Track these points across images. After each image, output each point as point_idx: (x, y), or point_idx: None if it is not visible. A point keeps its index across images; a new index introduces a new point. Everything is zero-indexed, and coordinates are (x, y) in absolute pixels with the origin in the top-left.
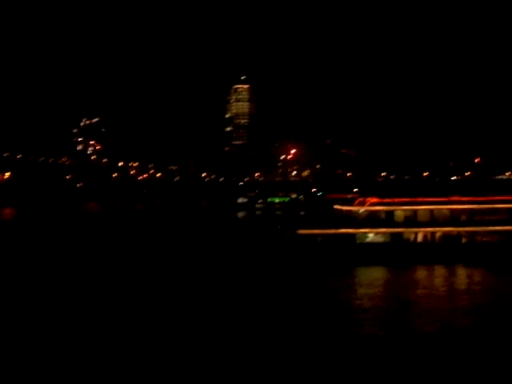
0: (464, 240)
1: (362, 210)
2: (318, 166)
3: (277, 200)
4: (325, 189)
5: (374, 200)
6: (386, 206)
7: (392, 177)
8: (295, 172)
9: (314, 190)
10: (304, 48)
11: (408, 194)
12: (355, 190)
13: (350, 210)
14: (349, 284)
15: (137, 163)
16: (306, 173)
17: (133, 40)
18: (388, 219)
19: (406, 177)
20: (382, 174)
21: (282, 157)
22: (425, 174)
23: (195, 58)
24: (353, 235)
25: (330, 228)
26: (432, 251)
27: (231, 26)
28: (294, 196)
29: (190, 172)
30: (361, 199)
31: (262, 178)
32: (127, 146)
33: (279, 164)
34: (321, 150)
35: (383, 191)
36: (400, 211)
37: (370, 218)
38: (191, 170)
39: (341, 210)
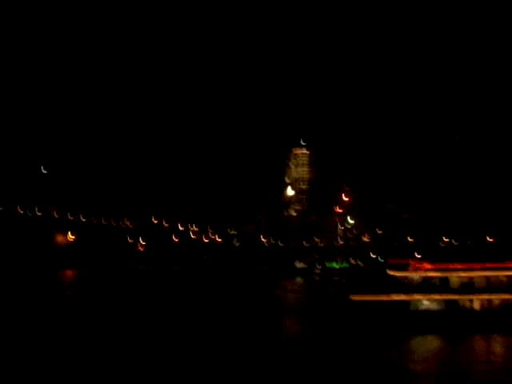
0: None
1: (416, 275)
2: (379, 231)
3: (335, 265)
4: (386, 254)
5: (429, 265)
6: (440, 271)
7: (455, 242)
8: (355, 237)
9: (374, 255)
10: (362, 113)
11: (466, 259)
12: (418, 255)
13: (403, 276)
14: (401, 354)
15: (197, 228)
16: (366, 238)
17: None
18: (443, 285)
19: (469, 242)
20: (445, 240)
21: (341, 222)
22: (489, 239)
23: (254, 119)
24: (406, 302)
25: (383, 294)
26: (489, 319)
27: (292, 89)
28: (353, 262)
29: (250, 236)
30: (415, 265)
31: (322, 244)
32: (187, 209)
33: (338, 229)
34: (381, 215)
35: (444, 256)
36: (455, 277)
37: (425, 284)
38: (251, 234)
39: (395, 276)
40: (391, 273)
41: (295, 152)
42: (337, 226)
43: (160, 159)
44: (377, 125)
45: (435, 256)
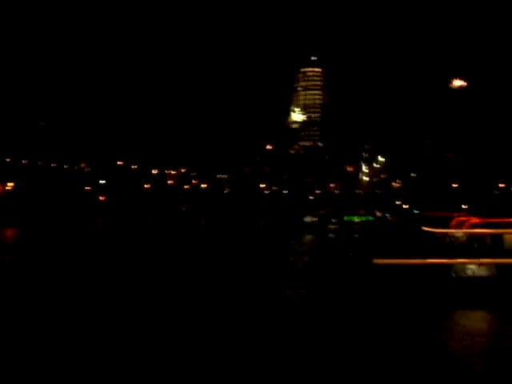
0: None
1: (460, 233)
2: (413, 175)
3: (356, 219)
4: (422, 205)
5: (477, 220)
6: (492, 228)
7: None
8: (382, 182)
9: (406, 206)
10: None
11: None
12: (464, 206)
13: (443, 234)
14: (441, 333)
15: (174, 171)
16: (396, 183)
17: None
18: (495, 246)
19: None
20: (500, 186)
21: (365, 163)
22: None
23: (252, 35)
24: (447, 267)
25: (417, 257)
26: None
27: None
28: (379, 214)
29: (244, 183)
30: (459, 219)
31: (338, 191)
32: (164, 149)
33: (361, 172)
34: (417, 153)
35: (498, 208)
36: (511, 235)
37: (471, 243)
38: (246, 179)
39: (431, 234)
40: (427, 229)
41: (304, 70)
42: (359, 167)
43: (127, 83)
44: (402, 36)
45: (486, 208)
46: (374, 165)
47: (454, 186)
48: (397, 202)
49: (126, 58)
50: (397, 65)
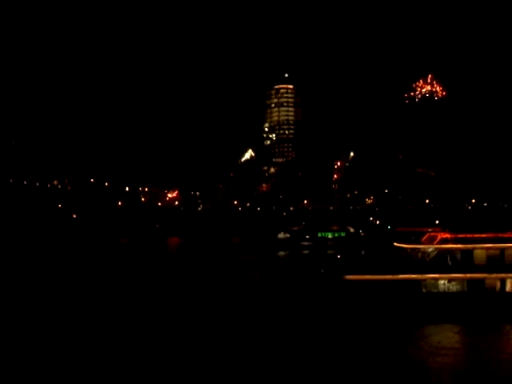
0: None
1: (430, 248)
2: (385, 190)
3: (329, 235)
4: (394, 221)
5: (448, 235)
6: (462, 243)
7: (484, 205)
8: (355, 198)
9: (378, 222)
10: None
11: (496, 228)
12: (437, 221)
13: (414, 249)
14: (411, 348)
15: (147, 189)
16: (370, 199)
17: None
18: (465, 261)
19: (505, 205)
20: (473, 201)
21: (338, 178)
22: None
23: (225, 53)
24: (418, 282)
25: (388, 273)
26: None
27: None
28: (352, 230)
29: (218, 199)
30: (431, 234)
31: (311, 207)
32: (136, 166)
33: (333, 187)
34: (390, 169)
35: (469, 224)
36: (481, 250)
37: (442, 259)
38: (220, 196)
39: (403, 249)
40: (399, 244)
41: (277, 87)
42: (332, 183)
43: (104, 101)
44: (374, 53)
45: (458, 223)
46: (344, 182)
47: (426, 201)
48: (370, 218)
49: (96, 75)
50: (366, 80)
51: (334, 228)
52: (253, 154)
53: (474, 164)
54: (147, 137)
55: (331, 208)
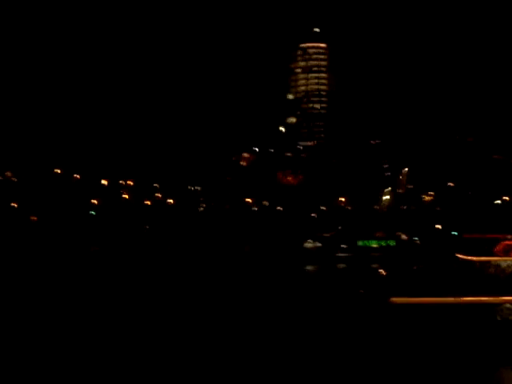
0: None
1: (506, 261)
2: (450, 184)
3: (374, 244)
4: (462, 225)
5: None
6: None
7: None
8: (409, 196)
9: (440, 226)
10: None
11: None
12: None
13: (485, 263)
14: None
15: (132, 182)
16: (428, 196)
17: None
18: None
19: None
20: None
21: (386, 167)
22: None
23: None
24: (490, 307)
25: (449, 295)
26: None
27: None
28: (404, 238)
29: (225, 197)
30: (506, 243)
31: (350, 206)
32: (117, 154)
33: (380, 180)
34: (454, 155)
35: None
36: None
37: None
38: (228, 192)
39: (469, 263)
40: (464, 257)
41: (304, 46)
42: (379, 176)
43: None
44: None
45: None
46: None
47: (505, 198)
48: (429, 221)
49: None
50: (422, 37)
51: (380, 235)
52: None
53: None
54: (128, 110)
55: (377, 208)
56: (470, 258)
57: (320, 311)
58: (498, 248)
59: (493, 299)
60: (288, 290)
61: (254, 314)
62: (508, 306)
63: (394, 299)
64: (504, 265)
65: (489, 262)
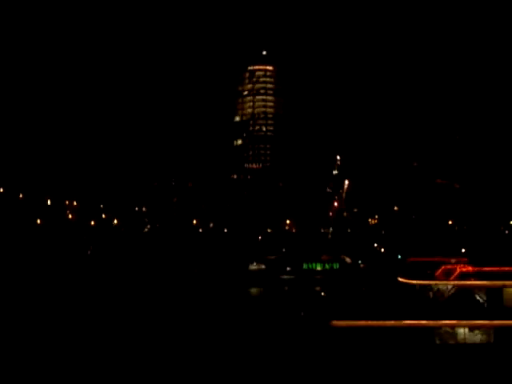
0: None
1: (446, 285)
2: (395, 208)
3: (318, 267)
4: (406, 248)
5: (468, 268)
6: (488, 279)
7: None
8: (354, 219)
9: (384, 249)
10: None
11: None
12: (463, 250)
13: (425, 286)
14: None
15: (77, 204)
16: (373, 220)
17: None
18: (492, 303)
19: None
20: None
21: (333, 192)
22: None
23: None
24: (430, 330)
25: (389, 318)
26: None
27: None
28: (348, 261)
29: (172, 217)
30: (445, 267)
31: (295, 229)
32: (62, 174)
33: (325, 203)
34: (400, 179)
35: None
36: None
37: (461, 300)
38: (173, 213)
39: (409, 286)
40: (405, 280)
41: (252, 69)
42: (325, 198)
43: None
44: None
45: (489, 252)
46: (342, 196)
47: (449, 222)
48: (374, 244)
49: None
50: (368, 61)
51: (325, 258)
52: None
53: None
54: (77, 132)
55: (322, 231)
56: (410, 281)
57: (260, 333)
58: (439, 272)
59: (432, 323)
60: (230, 312)
61: (197, 335)
62: (447, 329)
63: (335, 322)
64: (443, 289)
65: (429, 285)
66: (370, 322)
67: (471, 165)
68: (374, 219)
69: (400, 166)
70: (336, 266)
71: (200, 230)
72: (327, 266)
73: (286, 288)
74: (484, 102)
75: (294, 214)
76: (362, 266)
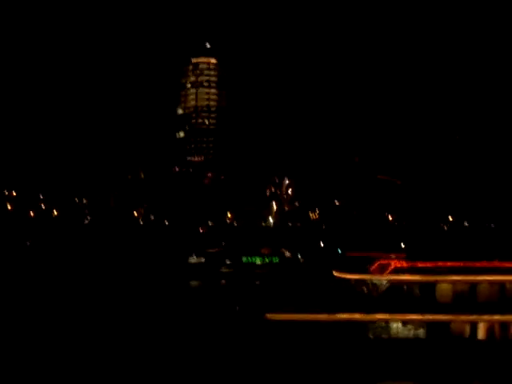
0: None
1: (380, 280)
2: (336, 203)
3: (258, 261)
4: (347, 243)
5: (402, 264)
6: (422, 274)
7: (467, 224)
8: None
9: (324, 244)
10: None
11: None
12: (402, 245)
13: (359, 281)
14: None
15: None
16: (314, 214)
17: None
18: (425, 298)
19: (492, 224)
20: (450, 219)
21: (274, 186)
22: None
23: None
24: (363, 325)
25: (323, 311)
26: (503, 358)
27: None
28: (288, 255)
29: (110, 209)
30: (380, 262)
31: (236, 222)
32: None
33: (266, 197)
34: (341, 174)
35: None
36: (446, 284)
37: (394, 294)
38: (115, 205)
39: (344, 280)
40: (340, 274)
41: (195, 61)
42: (267, 193)
43: None
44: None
45: (427, 248)
46: (283, 190)
47: (389, 218)
48: (314, 239)
49: None
50: (314, 55)
51: (265, 251)
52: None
53: (457, 169)
54: (15, 123)
55: (263, 224)
56: (345, 275)
57: (197, 326)
58: (374, 267)
59: (365, 317)
60: (168, 304)
61: (135, 327)
62: (380, 324)
63: (269, 315)
64: (377, 283)
65: (363, 280)
66: (303, 316)
67: (412, 161)
68: (315, 214)
69: (341, 160)
70: (275, 259)
71: (141, 223)
72: (266, 260)
73: (224, 282)
74: (426, 97)
75: (235, 207)
76: (301, 260)
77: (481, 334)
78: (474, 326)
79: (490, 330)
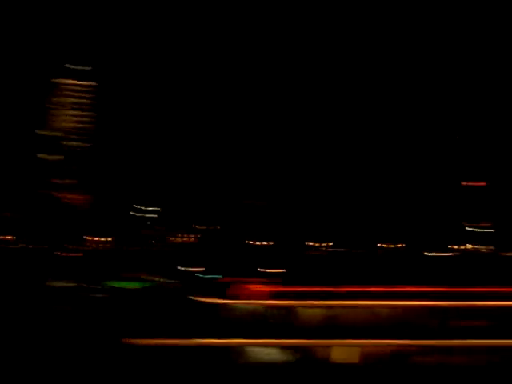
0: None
1: (239, 303)
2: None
3: (127, 285)
4: (215, 267)
5: (261, 287)
6: (282, 298)
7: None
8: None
9: (186, 268)
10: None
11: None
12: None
13: (217, 305)
14: None
15: None
16: (178, 237)
17: None
18: (286, 323)
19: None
20: (316, 245)
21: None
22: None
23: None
24: (222, 349)
25: (178, 336)
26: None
27: None
28: (158, 279)
29: None
30: (240, 286)
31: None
32: None
33: (141, 218)
34: (206, 200)
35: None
36: (309, 309)
37: (254, 318)
38: None
39: (204, 305)
40: (198, 298)
41: (61, 83)
42: (136, 211)
43: None
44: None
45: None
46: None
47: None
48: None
49: None
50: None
51: (126, 275)
52: None
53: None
54: None
55: (145, 248)
56: (205, 299)
57: (52, 350)
58: (237, 290)
59: (221, 341)
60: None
61: None
62: (242, 349)
63: (127, 340)
64: (238, 307)
65: (224, 304)
66: (161, 341)
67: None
68: (186, 236)
69: (208, 186)
70: (136, 285)
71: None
72: (127, 284)
73: (68, 307)
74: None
75: (100, 231)
76: (168, 284)
77: (337, 356)
78: (335, 351)
79: (355, 356)
